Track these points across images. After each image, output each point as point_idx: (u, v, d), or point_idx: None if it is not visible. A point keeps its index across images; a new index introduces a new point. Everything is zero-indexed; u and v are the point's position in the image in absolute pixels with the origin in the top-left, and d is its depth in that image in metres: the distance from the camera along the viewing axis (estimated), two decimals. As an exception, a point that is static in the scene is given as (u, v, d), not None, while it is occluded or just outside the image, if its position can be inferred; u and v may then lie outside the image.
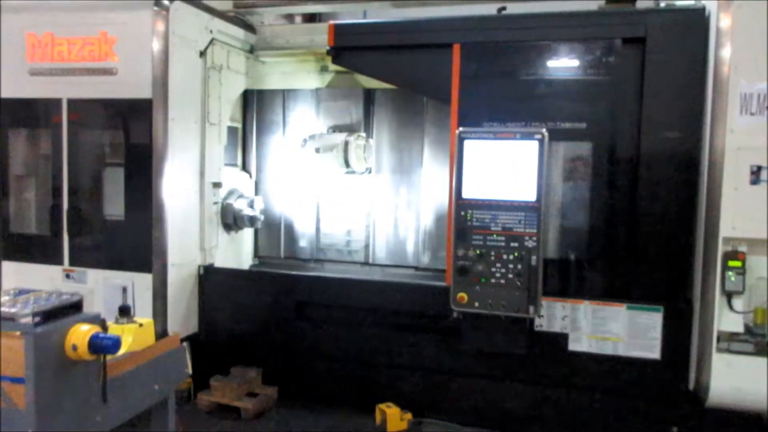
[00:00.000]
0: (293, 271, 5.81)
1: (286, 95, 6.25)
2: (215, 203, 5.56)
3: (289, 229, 6.32)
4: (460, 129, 4.05)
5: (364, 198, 6.06)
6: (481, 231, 4.04)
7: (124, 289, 4.76)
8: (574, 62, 4.22)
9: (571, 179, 4.32)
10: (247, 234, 6.30)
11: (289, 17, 6.47)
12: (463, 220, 4.05)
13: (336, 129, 5.85)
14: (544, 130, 3.93)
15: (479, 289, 4.06)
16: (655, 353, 4.25)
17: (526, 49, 4.31)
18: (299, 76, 6.15)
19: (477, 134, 4.01)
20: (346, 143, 5.52)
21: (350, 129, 5.79)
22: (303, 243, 6.29)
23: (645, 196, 4.21)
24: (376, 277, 6.01)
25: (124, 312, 2.71)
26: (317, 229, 6.22)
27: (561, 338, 4.47)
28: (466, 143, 4.02)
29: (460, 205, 4.06)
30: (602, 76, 4.22)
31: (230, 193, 5.81)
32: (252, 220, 5.86)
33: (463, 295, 4.08)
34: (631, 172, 4.27)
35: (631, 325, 4.32)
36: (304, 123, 6.15)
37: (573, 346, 4.41)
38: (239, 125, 6.31)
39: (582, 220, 4.34)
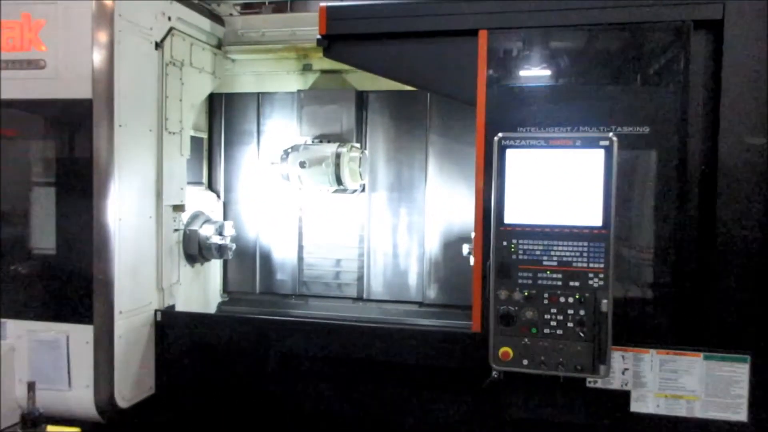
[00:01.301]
0: (274, 314, 4.83)
1: (261, 99, 5.25)
2: (176, 230, 4.50)
3: (266, 260, 5.29)
4: (501, 135, 3.12)
5: (356, 221, 5.09)
6: (530, 266, 3.12)
7: (56, 346, 3.65)
8: (633, 51, 3.35)
9: (630, 197, 3.43)
10: (215, 266, 5.23)
11: (255, 5, 5.41)
12: (507, 252, 3.12)
13: (323, 139, 4.87)
14: (612, 135, 3.04)
15: (528, 342, 3.13)
16: (740, 414, 3.37)
17: (570, 36, 3.43)
18: (277, 76, 5.17)
19: (523, 141, 3.10)
20: (338, 155, 4.54)
21: (340, 139, 4.82)
22: (283, 275, 5.27)
23: (724, 217, 3.34)
24: (372, 314, 5.04)
25: (32, 421, 1.65)
26: (300, 259, 5.21)
27: (620, 397, 3.55)
28: (509, 153, 3.10)
29: (502, 234, 3.13)
30: (669, 68, 3.36)
31: (194, 218, 4.76)
32: (221, 250, 4.82)
33: (507, 351, 3.14)
34: (706, 188, 3.40)
35: (709, 380, 3.43)
36: (283, 132, 5.17)
37: (636, 406, 3.50)
38: (204, 135, 5.28)
39: (645, 248, 3.44)
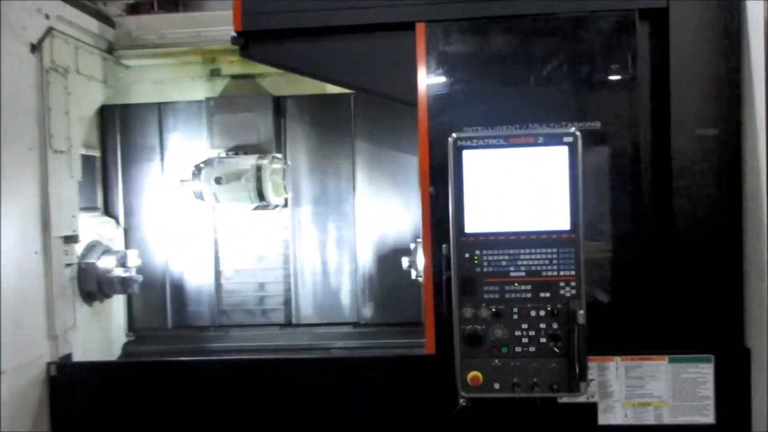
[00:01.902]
0: (188, 351, 4.26)
1: (162, 110, 4.66)
2: (68, 265, 3.84)
3: (178, 290, 4.68)
4: (456, 135, 2.81)
5: (280, 239, 4.62)
6: (496, 279, 2.82)
7: None
8: (580, 43, 3.16)
9: (585, 196, 3.22)
10: (117, 302, 4.55)
11: (143, 5, 4.69)
12: (469, 265, 2.81)
13: (238, 151, 4.35)
14: (574, 129, 2.81)
15: (499, 363, 2.83)
16: (708, 417, 3.25)
17: (515, 27, 3.19)
18: (180, 84, 4.60)
19: (481, 141, 2.80)
20: (259, 168, 4.06)
21: (258, 150, 4.33)
22: (198, 306, 4.69)
23: (681, 214, 3.21)
24: (303, 341, 4.58)
25: None
26: (218, 286, 4.66)
27: (587, 410, 3.33)
28: (467, 155, 2.80)
29: (463, 245, 2.81)
30: (617, 60, 3.20)
31: (90, 249, 4.11)
32: (125, 284, 4.18)
33: (476, 375, 2.82)
34: (661, 185, 3.27)
35: (675, 384, 3.29)
36: (191, 146, 4.61)
37: (604, 419, 3.30)
38: (97, 153, 4.59)
39: (602, 251, 3.25)
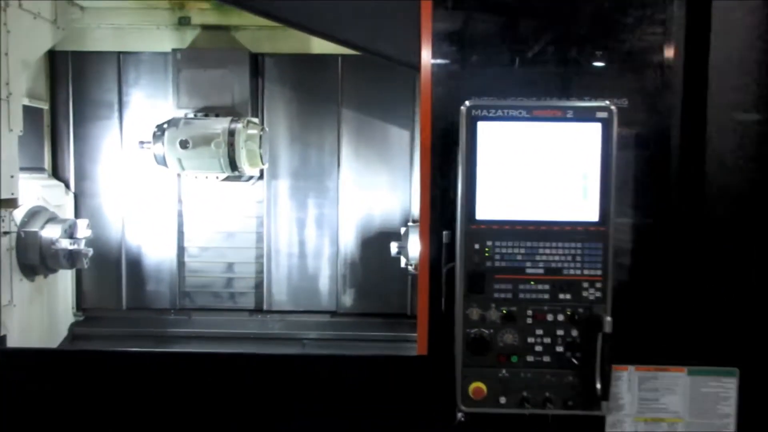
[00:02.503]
0: (144, 336, 3.76)
1: (122, 61, 4.10)
2: (5, 233, 3.30)
3: (135, 266, 4.17)
4: (471, 103, 2.35)
5: (253, 215, 4.12)
6: (509, 275, 2.39)
7: None
8: (612, 11, 2.72)
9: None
10: (64, 278, 4.02)
11: None
12: (479, 258, 2.37)
13: (208, 112, 3.82)
14: (608, 104, 2.37)
15: (507, 374, 2.41)
16: (729, 436, 2.88)
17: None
18: (144, 31, 4.06)
19: (500, 112, 2.34)
20: (232, 133, 3.54)
21: (231, 112, 3.82)
22: (158, 285, 4.19)
23: (709, 210, 2.81)
24: (275, 329, 4.12)
25: None
26: (180, 264, 4.16)
27: (595, 424, 2.93)
28: (482, 128, 2.34)
29: (473, 234, 2.37)
30: (648, 32, 2.76)
31: (32, 216, 3.58)
32: (72, 257, 3.66)
33: (479, 387, 2.39)
34: (691, 174, 2.84)
35: (694, 398, 2.91)
36: (154, 104, 4.05)
37: (614, 435, 2.89)
38: (45, 106, 4.01)
39: (619, 249, 2.82)
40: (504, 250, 2.38)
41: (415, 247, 3.56)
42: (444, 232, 2.63)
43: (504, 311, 2.40)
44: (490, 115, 2.35)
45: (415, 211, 4.11)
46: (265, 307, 4.16)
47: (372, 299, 4.14)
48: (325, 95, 4.09)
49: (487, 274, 2.38)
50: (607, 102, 2.40)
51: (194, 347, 4.06)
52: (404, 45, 2.98)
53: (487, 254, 2.37)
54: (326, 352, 3.91)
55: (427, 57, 2.86)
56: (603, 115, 2.34)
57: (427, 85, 2.85)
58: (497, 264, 2.38)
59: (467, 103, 2.39)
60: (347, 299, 4.16)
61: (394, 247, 3.68)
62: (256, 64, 4.04)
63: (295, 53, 4.05)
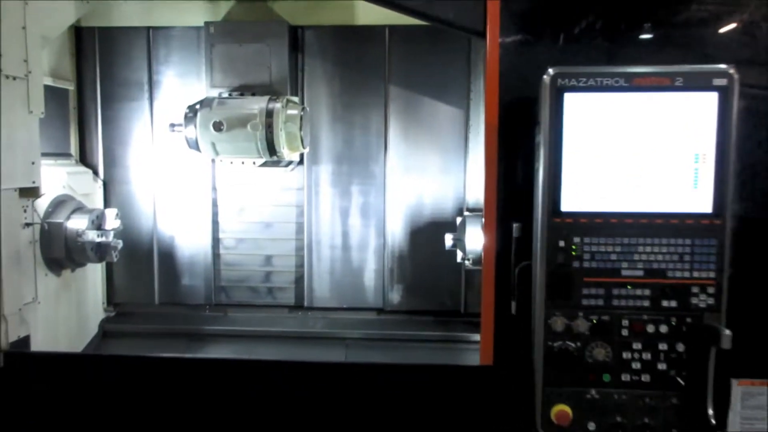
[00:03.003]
0: (180, 334, 3.46)
1: (152, 37, 3.80)
2: (27, 225, 3.03)
3: (168, 259, 3.90)
4: (556, 71, 1.94)
5: (293, 204, 3.78)
6: (601, 278, 2.00)
7: None
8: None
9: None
10: (94, 271, 3.76)
11: None
12: (565, 256, 1.98)
13: (243, 91, 3.49)
14: (727, 68, 1.92)
15: (597, 395, 2.02)
16: None
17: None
18: (175, 4, 3.72)
19: (592, 81, 1.93)
20: (270, 113, 3.19)
21: (269, 91, 3.47)
22: (192, 280, 3.91)
23: None
24: (316, 327, 3.80)
25: None
26: (215, 257, 3.86)
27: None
28: (570, 100, 1.94)
29: (557, 228, 1.98)
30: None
31: (58, 206, 3.33)
32: (101, 250, 3.40)
33: (564, 410, 2.01)
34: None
35: (811, 420, 2.42)
36: (187, 83, 3.74)
37: (714, 459, 2.45)
38: (71, 87, 3.73)
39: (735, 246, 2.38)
40: (595, 248, 1.99)
41: (474, 239, 3.18)
42: (514, 225, 2.25)
43: (594, 321, 2.02)
44: (580, 84, 1.95)
45: (470, 198, 3.72)
46: (305, 304, 3.84)
47: (422, 295, 3.79)
48: (371, 71, 3.71)
49: (574, 276, 1.99)
50: (725, 66, 1.96)
51: (230, 345, 3.78)
52: (465, 9, 2.59)
53: (574, 253, 1.98)
54: (373, 359, 3.56)
55: (494, 22, 2.46)
56: (721, 82, 1.91)
57: (494, 54, 2.45)
58: (587, 264, 1.99)
59: (551, 70, 1.98)
60: (395, 295, 3.81)
61: (448, 239, 3.30)
62: (296, 37, 3.68)
63: (338, 25, 3.69)
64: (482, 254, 3.09)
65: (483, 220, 3.06)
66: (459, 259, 3.28)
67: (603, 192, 1.97)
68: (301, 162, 3.75)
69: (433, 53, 3.67)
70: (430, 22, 2.73)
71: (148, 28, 3.77)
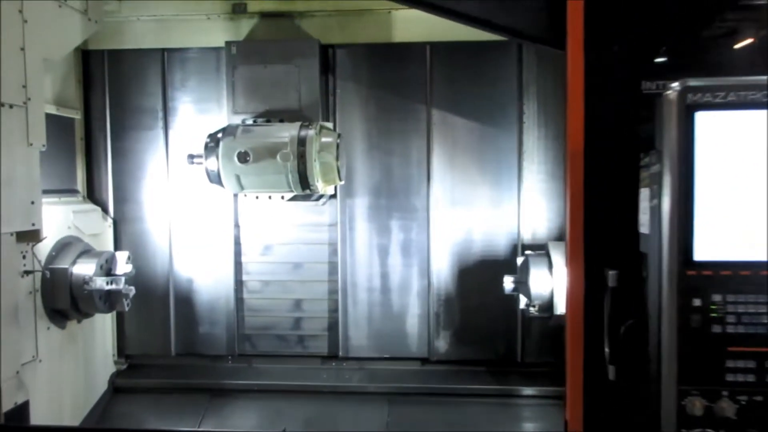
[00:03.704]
0: (207, 391, 3.06)
1: (167, 59, 3.44)
2: (26, 273, 2.65)
3: (186, 305, 3.51)
4: (688, 84, 1.51)
5: (324, 242, 3.37)
6: (750, 347, 1.56)
7: None
8: None
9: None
10: (103, 321, 3.35)
11: None
12: (700, 319, 1.55)
13: (269, 117, 3.10)
14: None
15: (747, 506, 1.55)
16: None
17: None
18: (192, 23, 3.42)
19: (732, 96, 1.51)
20: (302, 141, 2.79)
21: (297, 117, 3.07)
22: (212, 327, 3.51)
23: None
24: (353, 381, 3.35)
25: None
26: (239, 302, 3.44)
27: None
28: (703, 121, 1.52)
29: (691, 282, 1.56)
30: None
31: (62, 249, 2.97)
32: (110, 299, 3.01)
33: None
34: None
35: None
36: (204, 109, 3.39)
37: None
38: (77, 115, 3.37)
39: None
40: (742, 309, 1.58)
41: (540, 283, 2.74)
42: (609, 272, 1.85)
43: (744, 402, 1.55)
44: (717, 101, 1.54)
45: (525, 233, 3.30)
46: (340, 354, 3.43)
47: (472, 343, 3.39)
48: (411, 93, 3.36)
49: (715, 344, 1.54)
50: None
51: (256, 402, 3.39)
52: (536, 15, 2.22)
53: (714, 314, 1.54)
54: (419, 417, 3.13)
55: (576, 27, 2.07)
56: None
57: (577, 67, 2.05)
58: (732, 329, 1.57)
59: (676, 84, 1.56)
60: (441, 343, 3.40)
61: (508, 282, 2.88)
62: (326, 57, 3.31)
63: (373, 42, 3.31)
64: (553, 301, 2.66)
65: (555, 260, 2.63)
66: (522, 306, 2.84)
67: (749, 236, 1.54)
68: (333, 195, 3.35)
69: (480, 72, 3.32)
70: (496, 33, 2.35)
71: (163, 50, 3.42)
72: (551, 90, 3.26)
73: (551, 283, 2.73)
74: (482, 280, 3.30)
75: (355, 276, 3.41)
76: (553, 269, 2.72)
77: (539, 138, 3.29)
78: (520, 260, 2.93)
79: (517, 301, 2.96)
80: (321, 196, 3.32)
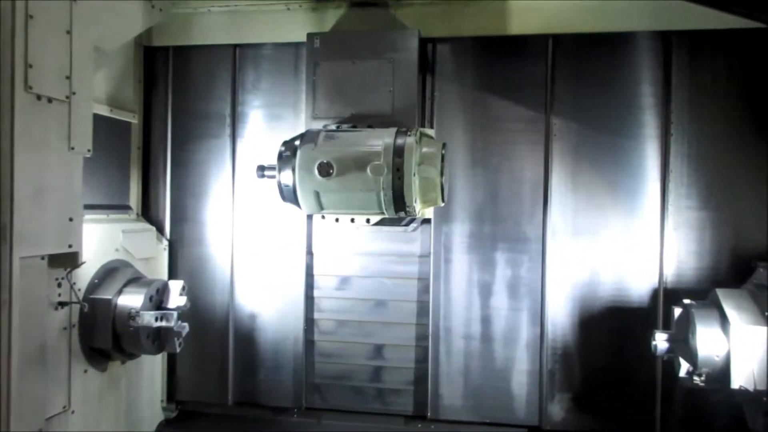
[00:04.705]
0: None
1: (239, 56, 2.97)
2: (60, 305, 2.15)
3: (247, 346, 2.98)
4: None
5: (413, 277, 2.77)
6: None
7: None
8: None
9: None
10: (151, 360, 2.85)
11: None
12: None
13: (356, 122, 2.55)
14: None
15: None
16: None
17: None
18: (269, 15, 2.92)
19: None
20: (400, 151, 2.22)
21: (388, 123, 2.51)
22: (276, 374, 2.97)
23: None
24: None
25: None
26: (308, 345, 2.87)
27: None
28: None
29: None
30: None
31: (107, 276, 2.50)
32: (161, 338, 2.49)
33: None
34: None
35: None
36: (278, 115, 2.89)
37: None
38: (134, 119, 2.92)
39: None
40: None
41: (710, 345, 2.04)
42: None
43: None
44: None
45: (669, 272, 2.61)
46: (428, 414, 2.82)
47: (596, 412, 2.65)
48: (526, 97, 2.73)
49: None
50: None
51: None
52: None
53: None
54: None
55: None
56: None
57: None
58: None
59: None
60: (556, 409, 2.72)
61: (661, 340, 2.18)
62: (424, 53, 2.75)
63: (482, 35, 2.72)
64: (729, 370, 1.96)
65: (729, 314, 1.94)
66: (683, 373, 2.13)
67: None
68: (426, 220, 2.75)
69: (614, 71, 2.66)
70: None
71: (235, 46, 2.94)
72: (709, 94, 2.59)
73: (725, 344, 2.03)
74: (611, 332, 2.63)
75: (449, 319, 2.79)
76: (730, 327, 2.02)
77: (690, 156, 2.61)
78: (677, 312, 2.23)
79: (671, 365, 2.26)
80: (412, 221, 2.74)
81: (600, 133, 2.68)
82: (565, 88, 2.70)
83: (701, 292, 2.38)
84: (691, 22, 2.57)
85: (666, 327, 2.52)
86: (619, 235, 2.66)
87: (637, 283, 2.64)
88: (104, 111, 2.60)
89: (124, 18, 2.45)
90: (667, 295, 2.59)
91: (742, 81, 2.56)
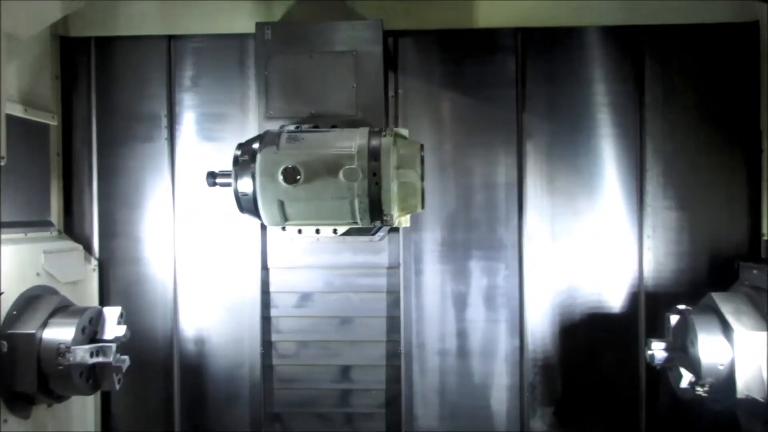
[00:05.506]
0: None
1: (175, 50, 2.61)
2: (-28, 346, 1.76)
3: (194, 375, 2.64)
4: None
5: (380, 291, 2.55)
6: None
7: None
8: None
9: None
10: (82, 402, 2.47)
11: None
12: None
13: (318, 121, 2.29)
14: None
15: None
16: None
17: None
18: (208, 3, 2.61)
19: None
20: (375, 153, 1.98)
21: (351, 123, 2.28)
22: (232, 404, 2.67)
23: None
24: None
25: None
26: (266, 370, 2.58)
27: None
28: None
29: None
30: None
31: (28, 306, 2.11)
32: (96, 375, 2.12)
33: None
34: None
35: None
36: (223, 114, 2.58)
37: None
38: (53, 121, 2.52)
39: None
40: None
41: (713, 354, 1.93)
42: None
43: None
44: None
45: (648, 273, 2.51)
46: (402, 431, 2.56)
47: (579, 423, 2.52)
48: (497, 94, 2.56)
49: None
50: None
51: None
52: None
53: None
54: None
55: None
56: None
57: None
58: None
59: None
60: (538, 424, 2.57)
61: (658, 349, 2.06)
62: (386, 48, 2.51)
63: (447, 28, 2.54)
64: (734, 380, 1.85)
65: (730, 320, 1.84)
66: (685, 384, 2.01)
67: None
68: (394, 228, 2.53)
69: (588, 67, 2.53)
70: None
71: (169, 37, 2.60)
72: (679, 89, 2.52)
73: (730, 353, 1.93)
74: (592, 340, 2.51)
75: (422, 335, 2.58)
76: (733, 333, 1.92)
77: (665, 152, 2.53)
78: (673, 319, 2.11)
79: (657, 373, 2.16)
80: (379, 230, 2.51)
81: (576, 132, 2.56)
82: (537, 85, 2.55)
83: (685, 296, 2.30)
84: (663, 16, 2.49)
85: (649, 332, 2.44)
86: (597, 237, 2.55)
87: (617, 287, 2.54)
88: (17, 111, 2.20)
89: (39, 8, 2.07)
90: (648, 299, 2.50)
91: (717, 76, 2.51)
